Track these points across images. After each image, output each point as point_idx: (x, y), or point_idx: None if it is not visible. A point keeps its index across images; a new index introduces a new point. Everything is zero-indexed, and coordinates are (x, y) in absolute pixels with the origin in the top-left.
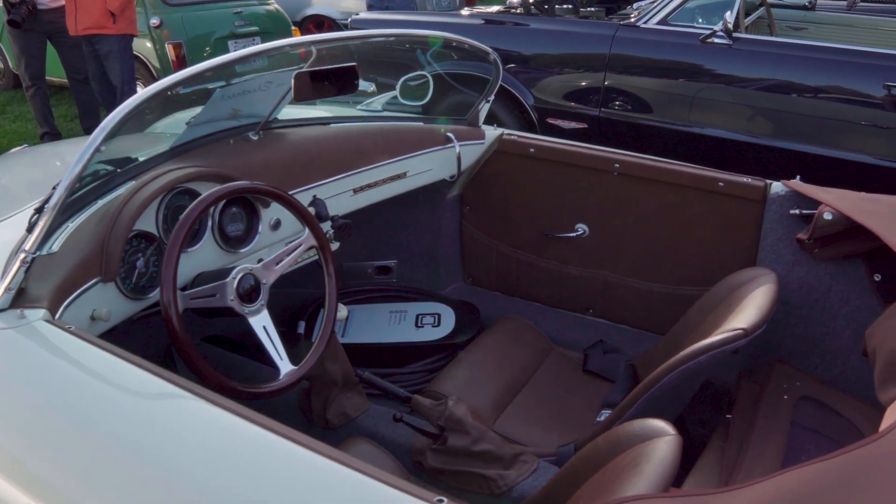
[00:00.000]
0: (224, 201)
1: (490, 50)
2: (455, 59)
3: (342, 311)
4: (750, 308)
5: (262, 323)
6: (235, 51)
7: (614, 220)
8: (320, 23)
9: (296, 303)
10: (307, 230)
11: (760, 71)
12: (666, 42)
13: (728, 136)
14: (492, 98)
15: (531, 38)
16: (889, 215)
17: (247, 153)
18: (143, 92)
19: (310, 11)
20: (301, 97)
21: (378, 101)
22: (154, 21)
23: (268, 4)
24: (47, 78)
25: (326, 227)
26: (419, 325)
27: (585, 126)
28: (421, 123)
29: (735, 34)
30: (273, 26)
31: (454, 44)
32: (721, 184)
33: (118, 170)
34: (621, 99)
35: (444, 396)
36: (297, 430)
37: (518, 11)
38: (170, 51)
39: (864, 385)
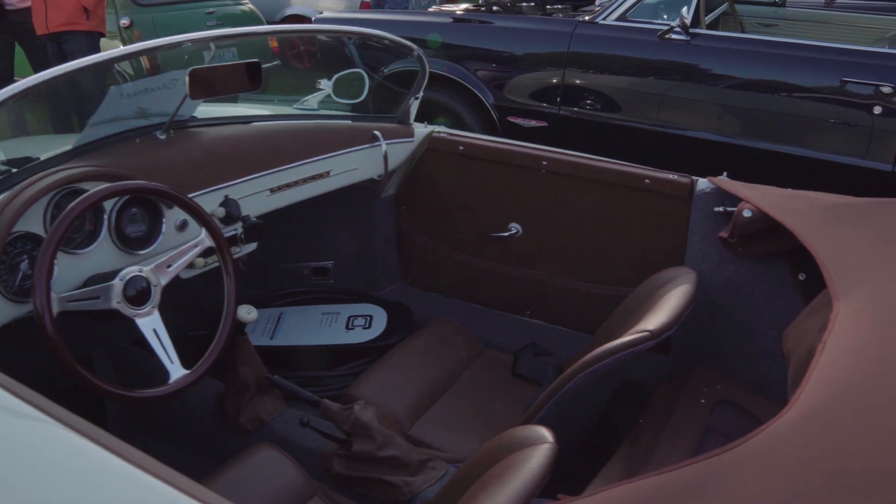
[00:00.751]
0: (119, 201)
1: (413, 46)
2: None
3: (251, 313)
4: (663, 310)
5: (152, 326)
6: (207, 53)
7: (546, 219)
8: (299, 22)
9: None
10: (204, 231)
11: (719, 67)
12: (624, 38)
13: (688, 134)
14: (420, 94)
15: (491, 36)
16: (809, 212)
17: (152, 152)
18: (8, 88)
19: (289, 11)
20: (197, 95)
21: (314, 100)
22: (124, 21)
23: (242, 4)
24: (16, 79)
25: (238, 227)
26: (350, 327)
27: (546, 124)
28: (349, 122)
29: (694, 30)
30: (247, 26)
31: (374, 41)
32: (647, 181)
33: (13, 169)
34: (581, 97)
35: (356, 400)
36: (163, 463)
37: (482, 9)
38: None
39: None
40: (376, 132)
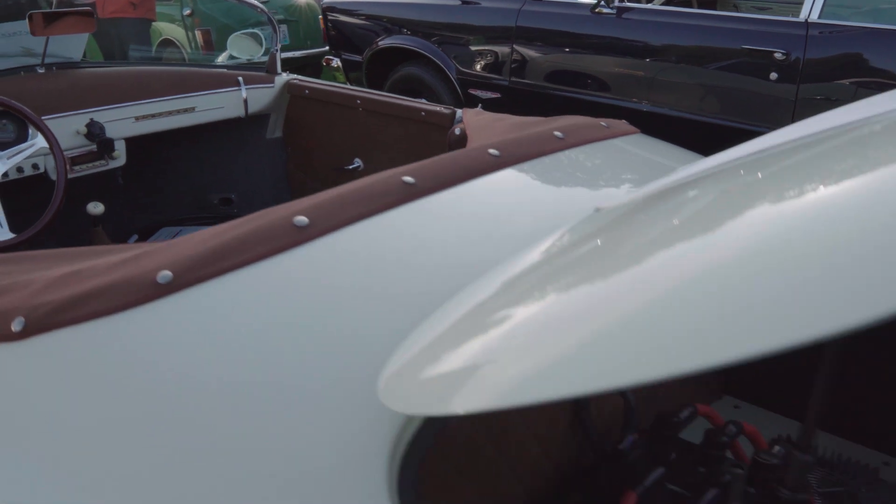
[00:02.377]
0: None
1: (259, 5)
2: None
3: (98, 207)
4: None
5: None
6: (262, 30)
7: (372, 152)
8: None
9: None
10: (39, 135)
11: (642, 39)
12: (563, 14)
13: (617, 103)
14: (279, 46)
15: (454, 13)
16: (495, 128)
17: (27, 82)
18: None
19: None
20: (36, 33)
21: (223, 57)
22: (186, 11)
23: None
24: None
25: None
26: None
27: (499, 96)
28: (224, 70)
29: (623, 3)
30: (298, 15)
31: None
32: (423, 113)
33: None
34: (527, 69)
35: None
36: None
37: None
38: (199, 37)
39: None
40: (239, 78)
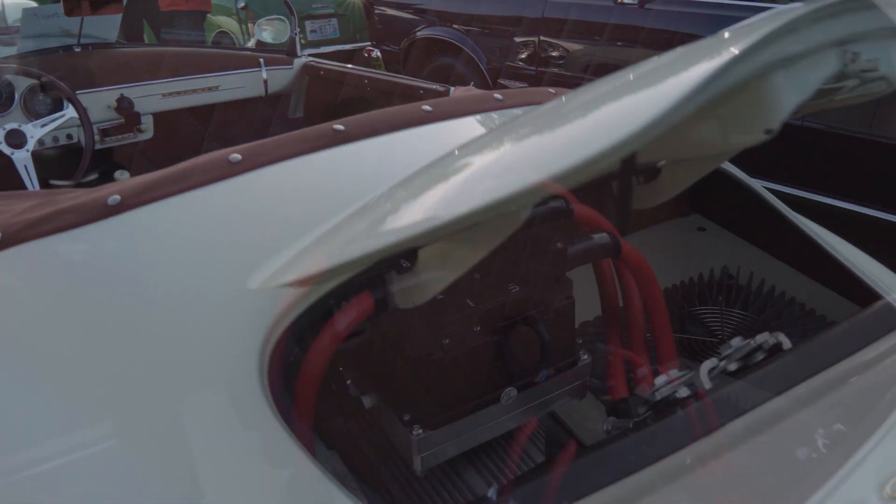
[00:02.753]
0: (27, 85)
1: None
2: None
3: (124, 174)
4: None
5: (24, 163)
6: (312, 30)
7: None
8: None
9: None
10: (70, 106)
11: (665, 29)
12: (587, 4)
13: None
14: (297, 30)
15: (481, 3)
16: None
17: (64, 59)
18: None
19: None
20: (70, 13)
21: (252, 42)
22: (241, 4)
23: None
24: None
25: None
26: None
27: (526, 85)
28: (247, 52)
29: None
30: (349, 9)
31: None
32: (421, 91)
33: None
34: (553, 58)
35: None
36: None
37: None
38: (251, 29)
39: None
40: (260, 59)
